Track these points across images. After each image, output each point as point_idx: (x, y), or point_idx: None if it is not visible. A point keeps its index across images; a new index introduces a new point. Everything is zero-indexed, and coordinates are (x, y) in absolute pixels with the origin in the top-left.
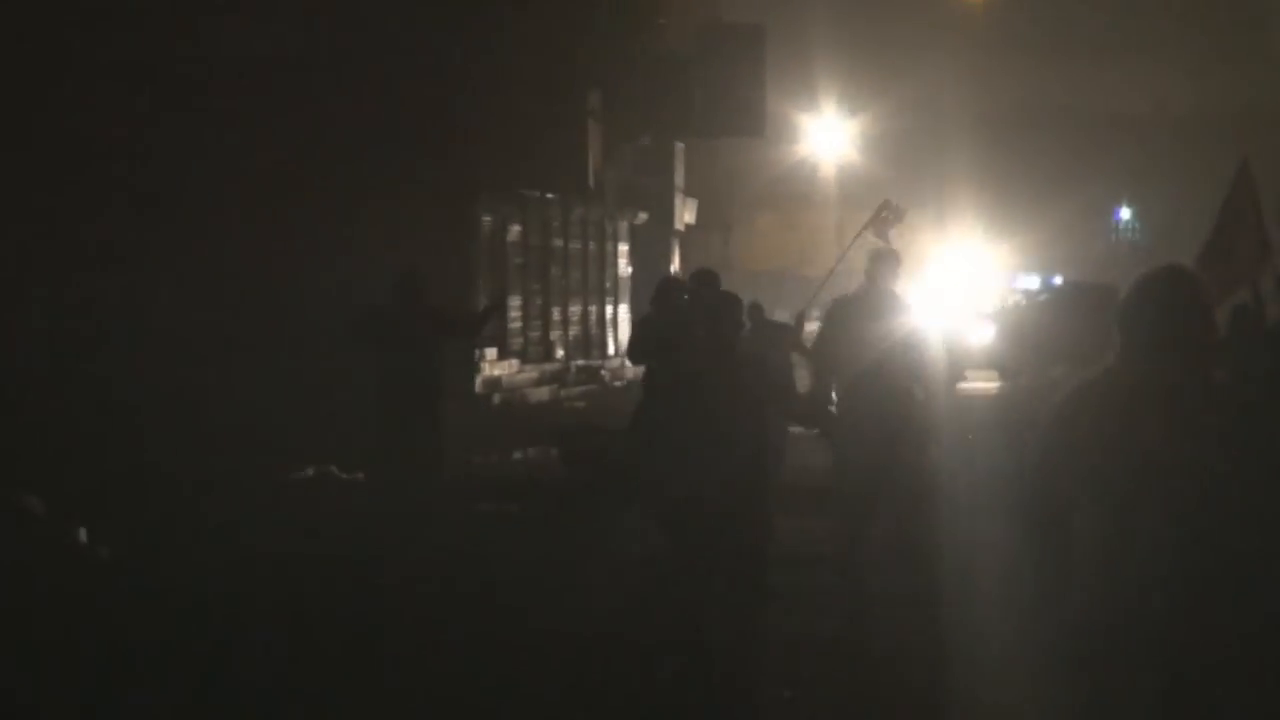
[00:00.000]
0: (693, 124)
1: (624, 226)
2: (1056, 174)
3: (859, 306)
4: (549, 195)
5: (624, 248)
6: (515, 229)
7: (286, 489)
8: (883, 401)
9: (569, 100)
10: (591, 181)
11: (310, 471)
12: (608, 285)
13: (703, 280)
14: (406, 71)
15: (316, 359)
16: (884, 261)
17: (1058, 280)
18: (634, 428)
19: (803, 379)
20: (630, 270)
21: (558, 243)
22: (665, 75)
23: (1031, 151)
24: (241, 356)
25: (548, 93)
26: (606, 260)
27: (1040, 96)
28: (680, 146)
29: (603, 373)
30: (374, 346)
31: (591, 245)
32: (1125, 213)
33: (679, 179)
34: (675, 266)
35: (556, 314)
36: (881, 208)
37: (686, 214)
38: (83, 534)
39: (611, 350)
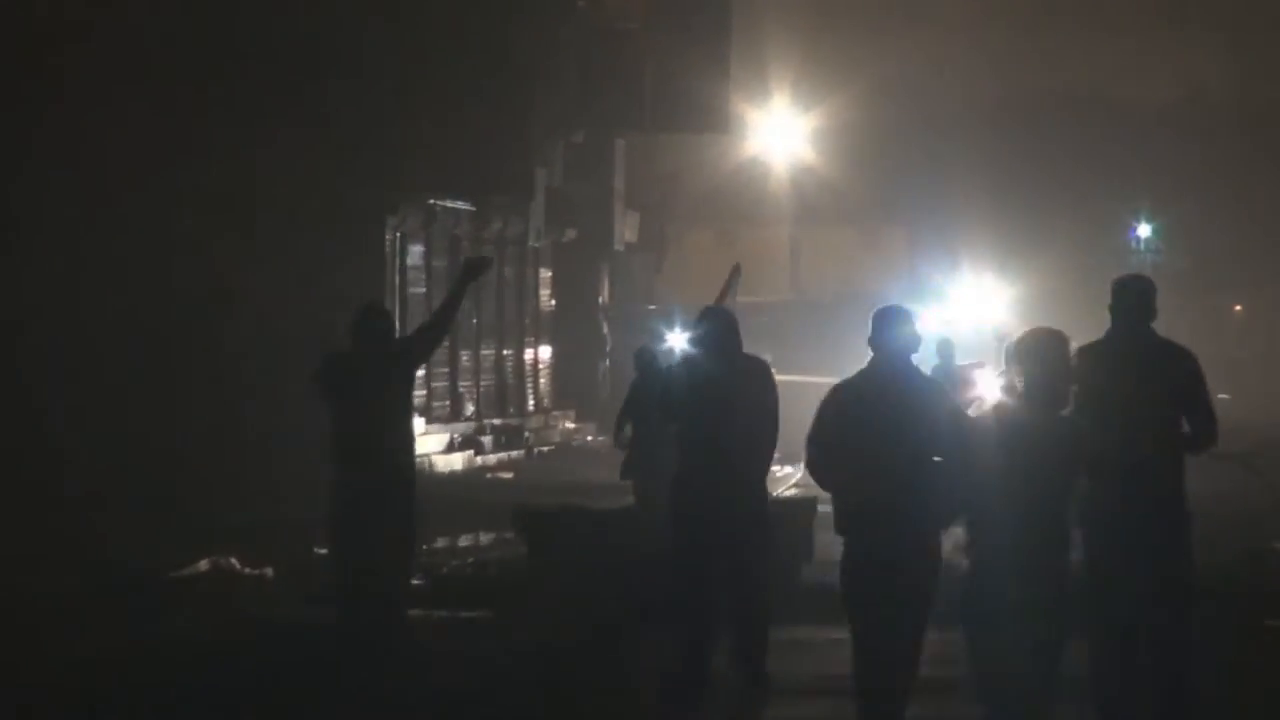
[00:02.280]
0: (641, 116)
1: (548, 247)
2: (1062, 180)
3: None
4: (458, 205)
5: (547, 274)
6: (417, 249)
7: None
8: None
9: (497, 83)
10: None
11: (204, 565)
12: (527, 322)
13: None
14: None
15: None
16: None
17: None
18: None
19: None
20: (554, 304)
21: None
22: (606, 53)
23: (1034, 152)
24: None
25: (470, 79)
26: (527, 290)
27: (1041, 82)
28: (620, 145)
29: (526, 434)
30: (332, 400)
31: (509, 271)
32: (1144, 229)
33: (619, 185)
34: (604, 297)
35: (466, 359)
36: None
37: (627, 230)
38: None
39: (532, 404)
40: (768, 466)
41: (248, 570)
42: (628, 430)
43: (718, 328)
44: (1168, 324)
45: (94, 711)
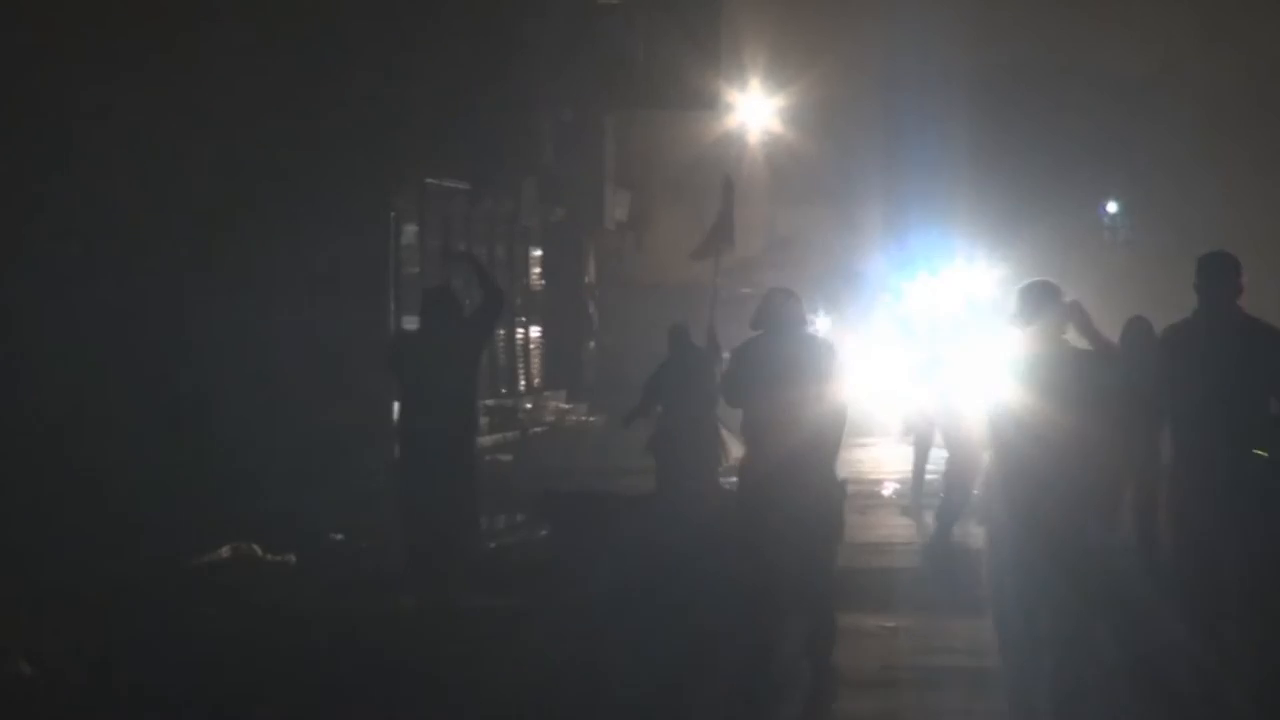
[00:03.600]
0: (629, 93)
1: (538, 226)
2: (1038, 156)
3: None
4: (452, 184)
5: (537, 253)
6: (410, 229)
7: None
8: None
9: (493, 62)
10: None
11: (226, 552)
12: (519, 302)
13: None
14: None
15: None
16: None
17: None
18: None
19: None
20: (544, 283)
21: (460, 247)
22: (593, 28)
23: (1011, 127)
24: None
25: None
26: (517, 270)
27: (1016, 55)
28: (610, 122)
29: (519, 415)
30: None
31: (500, 250)
32: (1112, 206)
33: (609, 163)
34: (590, 277)
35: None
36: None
37: (617, 209)
38: None
39: (523, 384)
40: (836, 449)
41: (270, 557)
42: (657, 409)
43: (781, 308)
44: (1136, 300)
45: (148, 701)
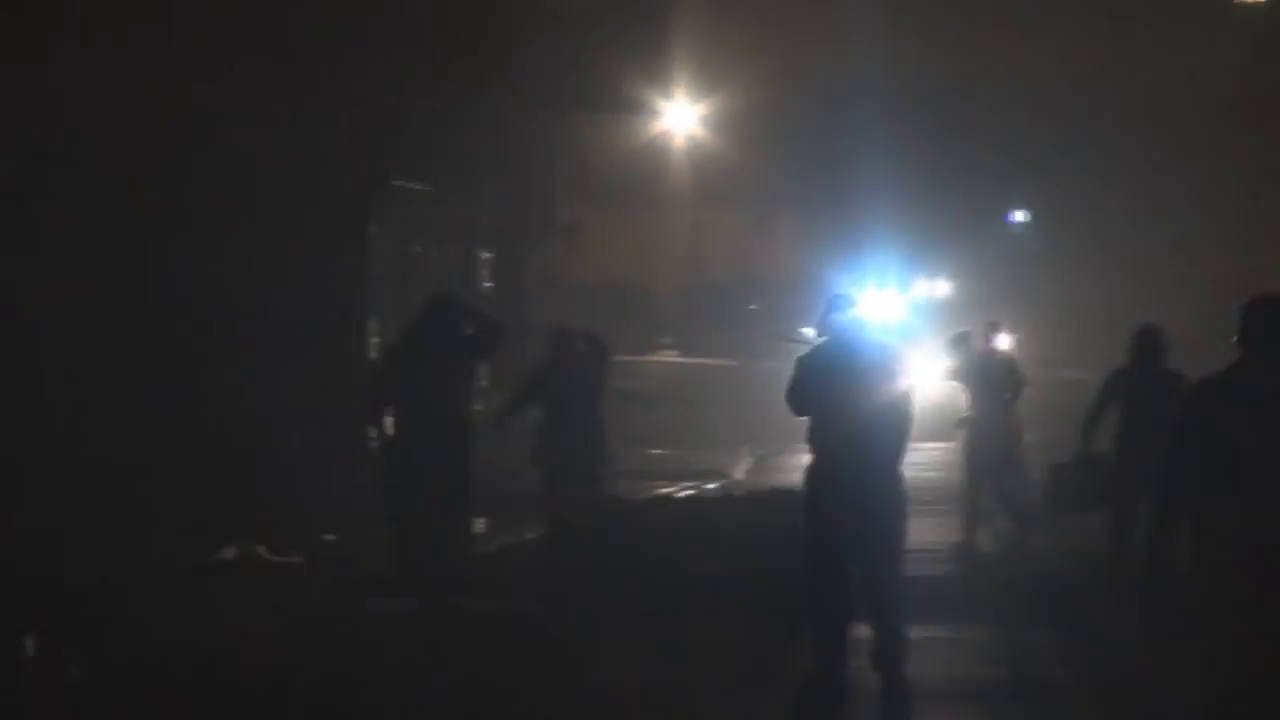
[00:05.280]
0: (577, 98)
1: (490, 228)
2: (947, 162)
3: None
4: (414, 185)
5: (488, 255)
6: (371, 229)
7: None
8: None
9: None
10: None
11: (230, 553)
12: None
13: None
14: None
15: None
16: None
17: None
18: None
19: None
20: (492, 285)
21: (417, 249)
22: (546, 34)
23: (918, 133)
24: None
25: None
26: (470, 271)
27: (931, 67)
28: (560, 127)
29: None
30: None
31: (453, 251)
32: (1019, 215)
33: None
34: (533, 279)
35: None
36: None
37: (565, 212)
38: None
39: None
40: (902, 454)
41: (274, 558)
42: (531, 413)
43: (847, 313)
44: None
45: (185, 698)
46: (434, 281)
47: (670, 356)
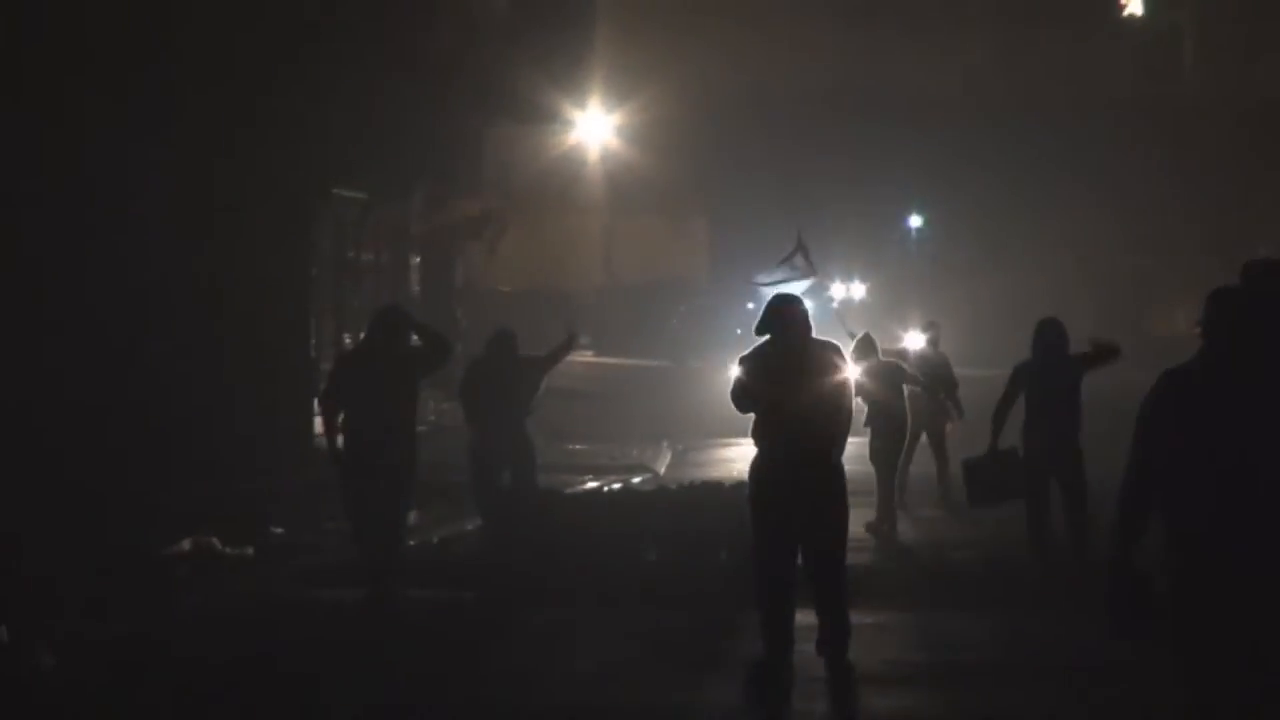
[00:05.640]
0: (500, 107)
1: (420, 234)
2: (847, 169)
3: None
4: (353, 194)
5: (416, 260)
6: (312, 234)
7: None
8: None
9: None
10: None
11: (186, 545)
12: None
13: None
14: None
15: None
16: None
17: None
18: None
19: None
20: (419, 289)
21: (351, 253)
22: (480, 48)
23: (820, 141)
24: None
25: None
26: (400, 276)
27: (834, 76)
28: (488, 134)
29: None
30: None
31: (385, 256)
32: (916, 220)
33: (486, 174)
34: (459, 283)
35: (348, 341)
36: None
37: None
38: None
39: None
40: (843, 446)
41: (229, 550)
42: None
43: (789, 315)
44: (939, 307)
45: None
46: (369, 284)
47: (587, 356)
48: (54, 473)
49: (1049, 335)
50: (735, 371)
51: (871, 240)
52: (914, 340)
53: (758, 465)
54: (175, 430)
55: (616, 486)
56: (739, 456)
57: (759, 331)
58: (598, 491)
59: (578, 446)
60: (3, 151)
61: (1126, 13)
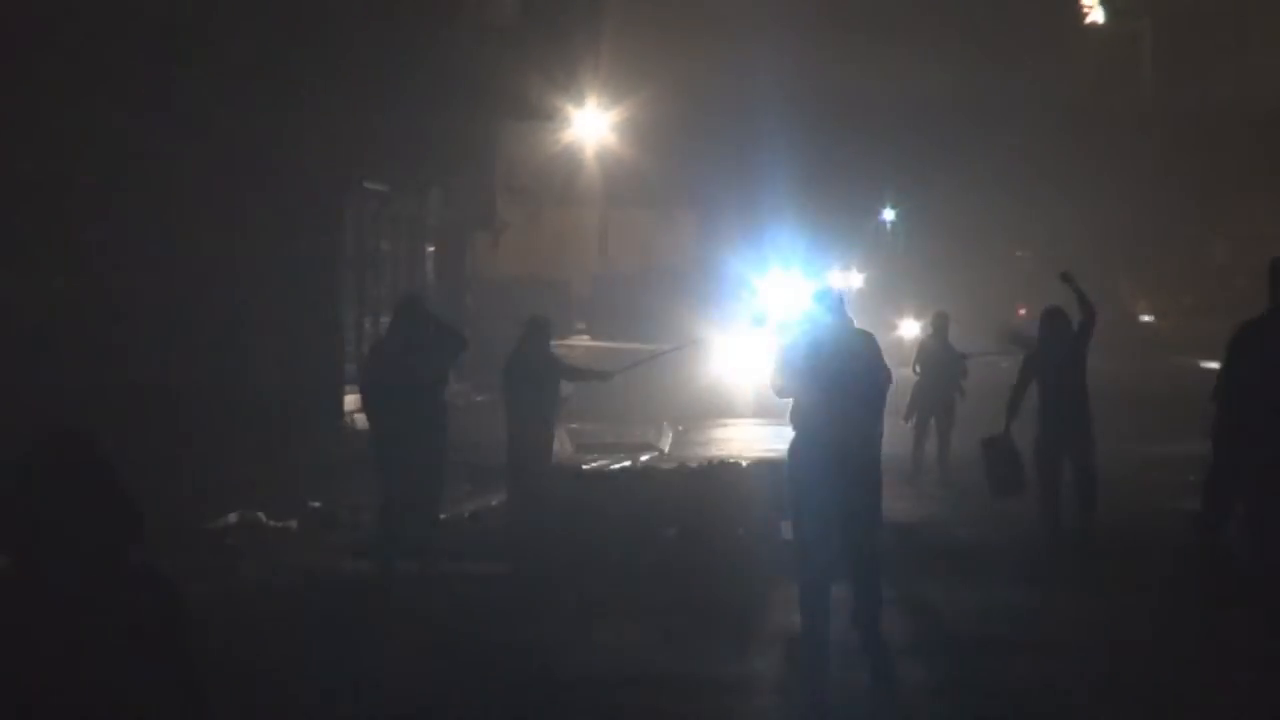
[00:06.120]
0: (517, 106)
1: (435, 226)
2: (825, 166)
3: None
4: (376, 187)
5: (431, 249)
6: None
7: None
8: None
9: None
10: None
11: (233, 518)
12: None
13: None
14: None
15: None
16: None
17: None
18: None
19: None
20: (435, 277)
21: (374, 243)
22: (491, 47)
23: (810, 145)
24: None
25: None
26: (416, 265)
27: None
28: (503, 130)
29: None
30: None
31: (403, 247)
32: (889, 213)
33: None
34: (469, 272)
35: (368, 325)
36: None
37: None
38: None
39: None
40: (880, 429)
41: (273, 523)
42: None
43: (830, 303)
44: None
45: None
46: (390, 273)
47: (584, 340)
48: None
49: (1055, 323)
50: (775, 358)
51: (848, 232)
52: (909, 329)
53: (797, 447)
54: (216, 409)
55: (627, 465)
56: (736, 436)
57: (797, 321)
58: (619, 470)
59: (581, 426)
60: (60, 147)
61: (1089, 20)
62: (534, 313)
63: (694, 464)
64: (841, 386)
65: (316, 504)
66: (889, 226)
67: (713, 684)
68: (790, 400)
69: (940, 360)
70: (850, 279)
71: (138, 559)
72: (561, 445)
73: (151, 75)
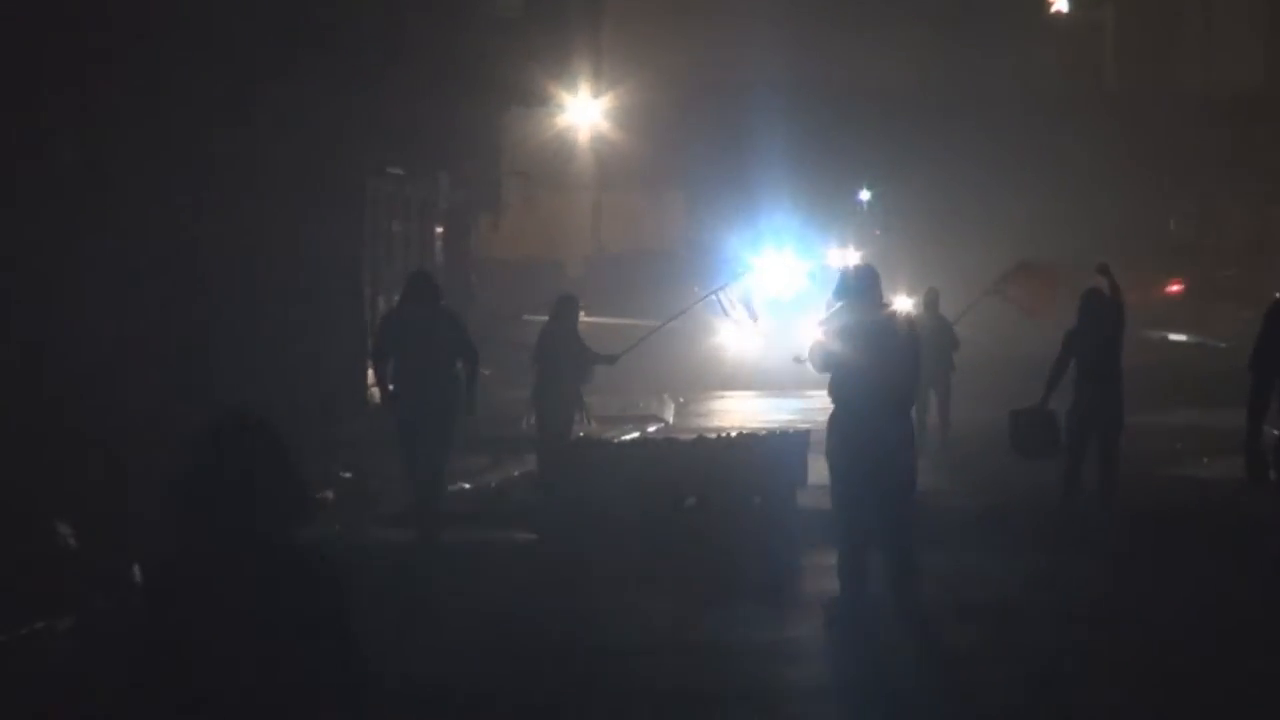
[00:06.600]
0: (517, 93)
1: (445, 208)
2: (808, 151)
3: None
4: (393, 171)
5: (440, 230)
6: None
7: None
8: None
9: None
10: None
11: None
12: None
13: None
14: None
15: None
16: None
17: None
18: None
19: None
20: (443, 259)
21: (387, 223)
22: (500, 42)
23: (795, 130)
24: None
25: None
26: (426, 246)
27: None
28: (509, 115)
29: None
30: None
31: (412, 228)
32: (865, 194)
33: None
34: (473, 251)
35: (383, 305)
36: None
37: (506, 193)
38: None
39: None
40: (912, 402)
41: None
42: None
43: (866, 283)
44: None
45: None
46: (404, 252)
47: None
48: (155, 429)
49: (1093, 302)
50: (816, 334)
51: (828, 211)
52: (902, 303)
53: (838, 419)
54: (247, 381)
55: (636, 436)
56: (736, 408)
57: (837, 297)
58: (638, 442)
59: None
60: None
61: (1053, 9)
62: (564, 291)
63: (712, 435)
64: (880, 362)
65: (348, 474)
66: (865, 207)
67: (753, 651)
68: (828, 375)
69: (934, 332)
70: (848, 256)
71: (306, 541)
72: (586, 417)
73: (220, 80)
